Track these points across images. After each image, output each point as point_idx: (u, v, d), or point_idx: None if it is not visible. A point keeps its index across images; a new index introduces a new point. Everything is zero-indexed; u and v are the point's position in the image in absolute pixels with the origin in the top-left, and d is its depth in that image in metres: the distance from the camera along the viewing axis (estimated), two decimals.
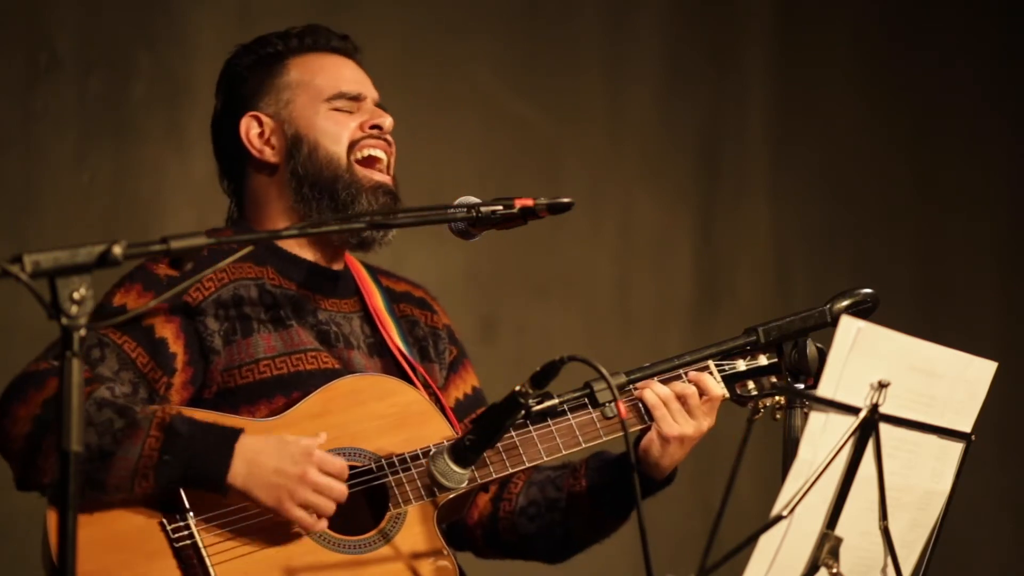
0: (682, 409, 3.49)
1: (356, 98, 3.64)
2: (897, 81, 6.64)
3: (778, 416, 3.48)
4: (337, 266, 3.65)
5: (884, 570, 3.03)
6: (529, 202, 3.37)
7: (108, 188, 5.06)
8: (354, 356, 3.56)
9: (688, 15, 6.29)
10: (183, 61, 5.16)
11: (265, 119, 3.62)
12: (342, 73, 3.67)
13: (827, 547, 2.94)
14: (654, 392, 3.49)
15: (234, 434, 3.29)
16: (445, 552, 3.43)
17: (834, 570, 2.94)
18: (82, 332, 2.58)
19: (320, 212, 3.57)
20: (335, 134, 3.61)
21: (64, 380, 2.57)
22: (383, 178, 3.62)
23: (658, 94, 6.21)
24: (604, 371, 3.18)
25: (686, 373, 3.52)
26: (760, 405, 3.48)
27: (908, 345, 2.95)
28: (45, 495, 3.31)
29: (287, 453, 3.29)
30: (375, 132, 3.63)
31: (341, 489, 3.31)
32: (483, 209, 3.39)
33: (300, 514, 3.30)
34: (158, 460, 3.24)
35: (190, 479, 3.28)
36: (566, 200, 3.38)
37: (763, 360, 3.55)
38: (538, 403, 3.25)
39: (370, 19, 5.23)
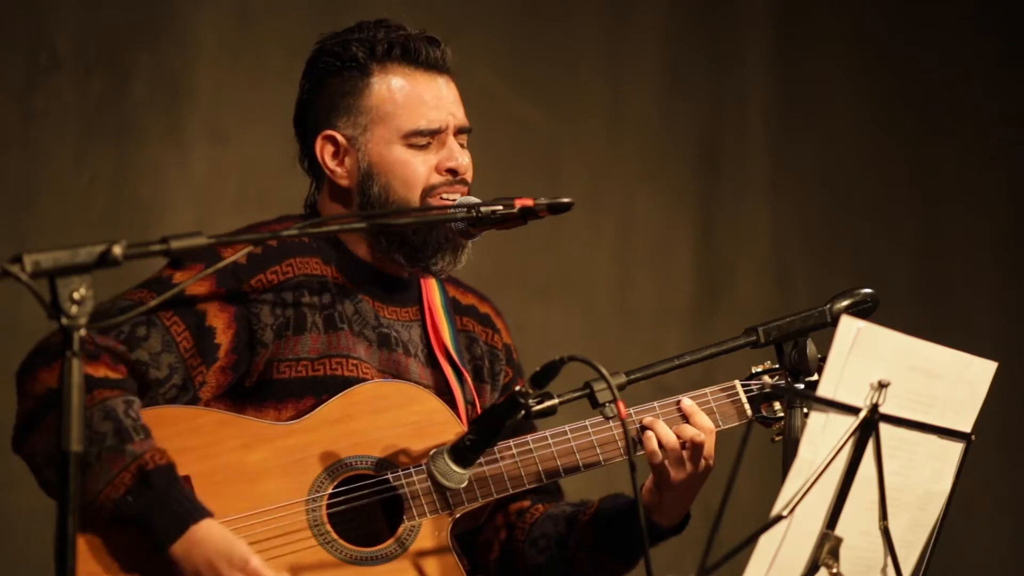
0: (681, 458, 3.45)
1: (436, 132, 3.52)
2: (897, 81, 6.64)
3: (777, 439, 3.48)
4: (403, 273, 3.57)
5: (884, 570, 3.03)
6: (529, 202, 3.36)
7: (108, 188, 5.06)
8: (411, 364, 3.53)
9: (688, 15, 6.29)
10: (183, 61, 5.16)
11: (341, 140, 3.51)
12: (425, 98, 3.51)
13: (827, 547, 2.94)
14: (656, 438, 3.45)
15: (198, 515, 3.23)
16: (459, 567, 3.42)
17: (834, 570, 2.94)
18: (82, 332, 2.58)
19: (390, 248, 3.51)
20: (408, 178, 3.49)
21: (64, 380, 2.57)
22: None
23: (658, 94, 6.21)
24: (604, 371, 3.17)
25: (679, 404, 3.48)
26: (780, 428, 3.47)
27: (908, 345, 2.95)
28: (35, 471, 3.28)
29: (226, 555, 3.21)
30: (450, 177, 3.52)
31: None
32: (483, 209, 3.37)
33: None
34: (122, 495, 3.21)
35: (140, 527, 3.23)
36: (566, 200, 3.36)
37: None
38: (538, 403, 3.25)
39: (369, 19, 5.24)
